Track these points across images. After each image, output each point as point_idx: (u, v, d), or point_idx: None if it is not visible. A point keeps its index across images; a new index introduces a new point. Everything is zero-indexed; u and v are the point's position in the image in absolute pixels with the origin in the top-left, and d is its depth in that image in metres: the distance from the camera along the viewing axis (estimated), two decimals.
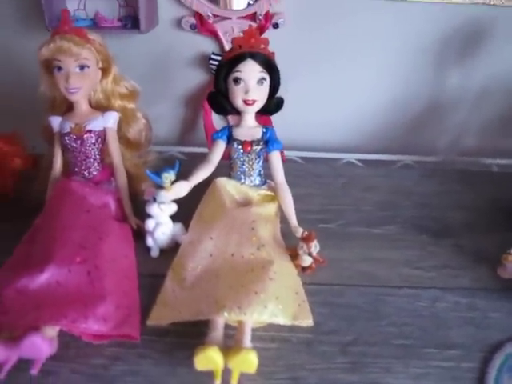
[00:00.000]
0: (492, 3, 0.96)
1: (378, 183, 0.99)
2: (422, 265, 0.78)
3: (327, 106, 1.12)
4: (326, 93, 1.09)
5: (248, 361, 0.57)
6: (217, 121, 1.11)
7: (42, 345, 0.57)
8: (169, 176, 0.72)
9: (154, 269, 0.75)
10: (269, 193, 0.84)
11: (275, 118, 0.98)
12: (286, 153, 1.06)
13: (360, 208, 0.91)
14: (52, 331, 0.60)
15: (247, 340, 0.60)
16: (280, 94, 0.82)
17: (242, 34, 0.78)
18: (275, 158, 0.83)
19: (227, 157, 0.85)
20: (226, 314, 0.61)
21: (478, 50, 1.04)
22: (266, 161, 0.84)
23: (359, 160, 1.10)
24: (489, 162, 1.08)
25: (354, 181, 1.00)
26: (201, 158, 0.83)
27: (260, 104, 0.80)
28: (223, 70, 0.78)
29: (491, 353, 0.64)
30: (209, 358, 0.56)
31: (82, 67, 0.77)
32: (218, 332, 0.61)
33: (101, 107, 0.84)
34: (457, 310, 0.70)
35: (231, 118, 1.12)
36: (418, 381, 0.60)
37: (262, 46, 0.78)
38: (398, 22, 1.01)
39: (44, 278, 0.64)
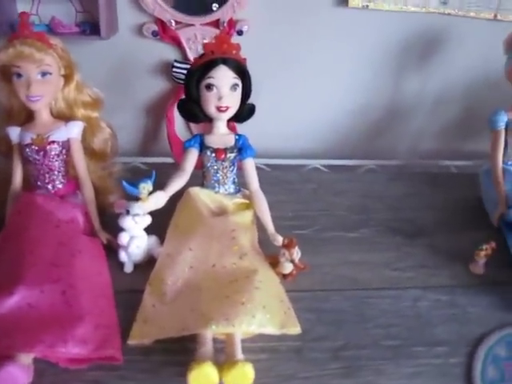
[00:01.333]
0: (446, 12, 1.01)
1: (348, 188, 1.00)
2: (400, 266, 0.79)
3: (290, 113, 1.12)
4: (290, 100, 1.10)
5: (244, 374, 0.55)
6: (180, 130, 1.09)
7: (18, 374, 0.52)
8: (146, 186, 0.69)
9: (130, 285, 0.71)
10: (244, 201, 0.82)
11: (240, 126, 0.97)
12: None
13: (333, 213, 0.92)
14: (27, 358, 0.55)
15: (239, 352, 0.58)
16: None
17: (212, 40, 0.77)
18: (249, 165, 0.82)
19: (199, 166, 0.83)
20: (213, 326, 0.59)
21: (434, 57, 1.08)
22: (240, 169, 0.83)
23: (324, 166, 1.10)
24: (447, 163, 1.13)
25: (323, 186, 1.00)
26: (166, 168, 0.80)
27: (233, 110, 0.79)
28: (194, 76, 0.76)
29: (475, 346, 0.65)
30: (204, 375, 0.54)
31: (43, 74, 0.72)
32: (207, 347, 0.59)
33: (62, 117, 0.79)
34: (438, 308, 0.71)
35: (194, 127, 1.10)
36: (411, 380, 0.61)
37: (234, 51, 0.77)
38: (359, 29, 1.03)
39: (14, 300, 0.59)
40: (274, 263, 0.74)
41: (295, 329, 0.64)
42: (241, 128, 0.95)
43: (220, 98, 0.76)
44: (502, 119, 0.88)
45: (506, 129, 0.89)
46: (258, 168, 1.06)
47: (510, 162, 0.90)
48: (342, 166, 1.11)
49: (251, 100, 0.82)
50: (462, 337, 0.67)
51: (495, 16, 1.02)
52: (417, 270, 0.78)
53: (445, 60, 1.08)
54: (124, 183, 0.69)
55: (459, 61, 1.08)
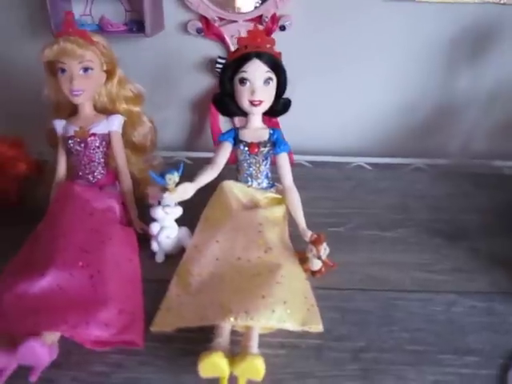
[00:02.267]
0: (502, 2, 0.94)
1: (389, 186, 0.96)
2: (435, 268, 0.75)
3: (335, 109, 1.10)
4: (333, 95, 1.08)
5: (254, 367, 0.54)
6: (224, 125, 1.10)
7: (41, 351, 0.55)
8: (172, 177, 0.70)
9: (159, 274, 0.73)
10: (276, 195, 0.82)
11: (282, 122, 0.97)
12: (294, 157, 1.04)
13: (370, 211, 0.89)
14: (52, 337, 0.58)
15: (254, 346, 0.58)
16: (287, 95, 0.80)
17: (246, 34, 0.77)
18: (283, 159, 0.81)
19: (234, 161, 0.83)
20: (232, 319, 0.59)
21: (488, 51, 1.02)
22: (274, 164, 0.82)
23: (369, 164, 1.07)
24: (500, 164, 1.06)
25: (363, 184, 0.98)
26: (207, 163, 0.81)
27: (267, 105, 0.78)
28: (229, 70, 0.77)
29: (510, 359, 0.60)
30: (214, 364, 0.54)
31: (85, 69, 0.76)
32: (223, 338, 0.59)
33: (106, 111, 0.83)
34: (473, 315, 0.67)
35: (237, 121, 1.11)
36: None
37: (268, 45, 0.76)
38: (406, 23, 1.00)
39: (45, 282, 0.62)
40: (303, 259, 0.73)
41: (317, 326, 0.63)
42: (283, 123, 0.95)
43: (253, 92, 0.76)
44: None
45: None
46: (299, 165, 1.07)
47: None
48: (387, 164, 1.08)
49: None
50: (497, 347, 0.62)
51: None
52: (453, 273, 0.74)
53: (500, 54, 1.01)
54: (152, 173, 0.71)
55: None
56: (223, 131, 1.09)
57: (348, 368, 0.60)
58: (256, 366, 0.54)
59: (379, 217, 0.87)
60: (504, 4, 0.94)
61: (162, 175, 0.70)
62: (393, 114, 1.10)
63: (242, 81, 0.76)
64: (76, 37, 0.75)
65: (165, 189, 0.72)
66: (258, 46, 0.75)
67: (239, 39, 0.77)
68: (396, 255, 0.78)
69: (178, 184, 0.72)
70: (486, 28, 0.99)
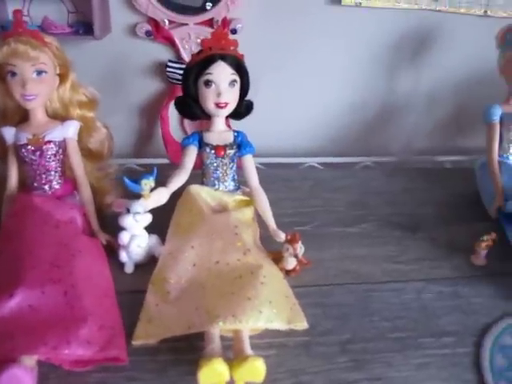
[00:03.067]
0: (437, 9, 1.02)
1: (345, 184, 1.00)
2: (401, 259, 0.79)
3: (283, 112, 1.11)
4: (285, 99, 1.09)
5: (256, 368, 0.54)
6: (174, 130, 1.08)
7: (24, 377, 0.50)
8: (148, 182, 0.67)
9: (131, 285, 0.70)
10: (244, 198, 0.82)
11: (234, 125, 0.97)
12: None
13: (332, 209, 0.91)
14: (30, 361, 0.53)
15: (248, 348, 0.57)
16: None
17: (209, 36, 0.76)
18: (249, 161, 0.81)
19: (198, 166, 0.82)
20: (220, 323, 0.58)
21: (427, 54, 1.09)
22: (239, 167, 0.82)
23: (320, 163, 1.10)
24: (442, 159, 1.14)
25: (321, 183, 1.00)
26: (161, 168, 0.77)
27: (232, 107, 0.78)
28: (192, 72, 0.76)
29: (481, 336, 0.65)
30: (214, 371, 0.53)
31: (39, 72, 0.71)
32: (215, 344, 0.58)
33: (58, 116, 0.78)
34: (442, 299, 0.71)
35: (188, 127, 1.09)
36: (420, 371, 0.60)
37: (232, 47, 0.76)
38: (353, 26, 1.04)
39: (14, 303, 0.57)
40: (278, 259, 0.73)
41: (302, 324, 0.64)
42: (236, 126, 0.94)
43: (219, 94, 0.75)
44: (497, 112, 0.89)
45: (501, 122, 0.90)
46: None
47: (505, 155, 0.91)
48: (337, 163, 1.12)
49: (254, 97, 0.82)
50: (468, 327, 0.67)
51: (485, 12, 1.03)
52: (419, 262, 0.78)
53: (437, 57, 1.09)
54: (126, 180, 0.68)
55: (451, 57, 1.09)
56: (174, 137, 1.08)
57: (339, 361, 0.61)
58: (257, 367, 0.54)
59: (342, 214, 0.90)
60: (439, 11, 1.02)
61: (137, 181, 0.67)
62: (340, 114, 1.14)
63: (208, 83, 0.75)
64: (28, 37, 0.70)
65: (136, 195, 0.69)
66: (223, 47, 0.75)
67: (203, 41, 0.76)
68: (363, 249, 0.81)
69: (152, 190, 0.69)
70: (424, 33, 1.06)
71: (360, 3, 0.99)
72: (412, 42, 1.07)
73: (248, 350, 0.57)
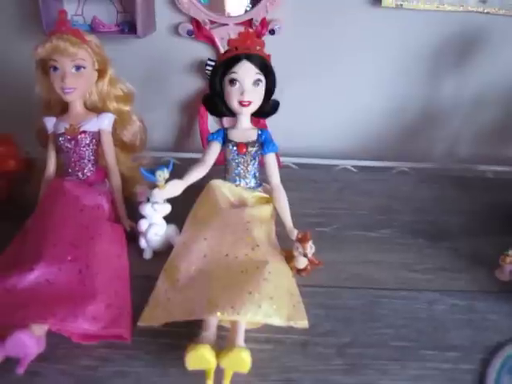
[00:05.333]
0: (485, 11, 0.97)
1: (374, 188, 0.98)
2: (418, 267, 0.77)
3: (323, 113, 1.12)
4: (321, 99, 1.10)
5: (241, 359, 0.55)
6: (212, 126, 1.11)
7: (28, 342, 0.55)
8: (162, 173, 0.71)
9: (147, 270, 0.74)
10: (264, 195, 0.83)
11: (270, 124, 0.98)
12: (281, 158, 1.05)
13: (356, 212, 0.91)
14: (40, 330, 0.58)
15: (240, 340, 0.59)
16: (275, 96, 0.82)
17: (237, 36, 0.79)
18: (271, 160, 0.82)
19: (222, 161, 0.84)
20: (219, 313, 0.59)
21: (472, 58, 1.04)
22: (262, 165, 0.84)
23: (355, 166, 1.09)
24: (484, 168, 1.09)
25: (349, 186, 0.99)
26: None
27: (255, 105, 0.80)
28: (219, 71, 0.78)
29: (490, 354, 0.62)
30: (200, 357, 0.55)
31: (78, 67, 0.77)
32: (210, 332, 0.60)
33: (96, 109, 0.83)
34: (454, 313, 0.69)
35: (226, 122, 1.12)
36: (415, 382, 0.59)
37: (258, 47, 0.78)
38: (393, 29, 1.02)
39: (34, 276, 0.63)
40: (290, 257, 0.74)
41: (303, 322, 0.64)
42: (271, 126, 0.96)
43: (242, 93, 0.77)
44: None
45: None
46: (286, 166, 1.08)
47: None
48: (373, 167, 1.10)
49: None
50: (477, 343, 0.64)
51: None
52: (436, 272, 0.76)
53: (484, 61, 1.04)
54: (142, 170, 0.72)
55: (499, 62, 1.04)
56: (212, 132, 1.12)
57: (333, 363, 0.61)
58: (242, 358, 0.55)
59: (365, 218, 0.89)
60: (487, 13, 0.97)
61: (152, 172, 0.71)
62: (379, 117, 1.12)
63: (232, 81, 0.77)
64: (69, 35, 0.75)
65: (154, 186, 0.73)
66: (248, 47, 0.77)
67: (229, 41, 0.78)
68: (381, 255, 0.79)
69: (167, 181, 0.73)
70: (470, 36, 1.01)
71: (401, 5, 0.97)
72: (457, 45, 1.03)
73: (239, 342, 0.58)
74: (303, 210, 0.85)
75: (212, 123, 1.11)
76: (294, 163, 1.10)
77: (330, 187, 0.99)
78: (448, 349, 0.63)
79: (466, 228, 0.86)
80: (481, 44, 1.02)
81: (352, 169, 1.09)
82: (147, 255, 0.77)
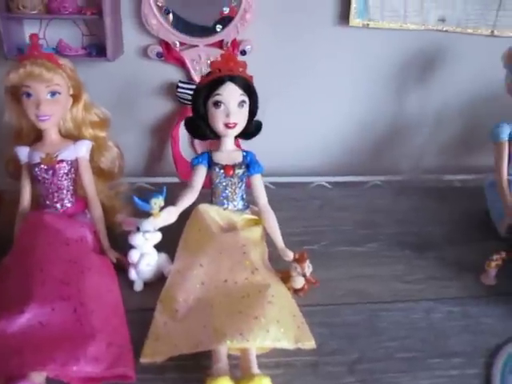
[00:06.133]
0: (444, 29, 1.03)
1: (352, 203, 1.00)
2: (410, 278, 0.79)
3: (296, 132, 1.13)
4: (294, 118, 1.11)
5: None
6: (184, 149, 1.09)
7: None
8: (158, 201, 0.69)
9: (140, 303, 0.71)
10: (253, 217, 0.82)
11: (244, 145, 0.98)
12: None
13: (340, 228, 0.92)
14: (40, 377, 0.54)
15: (255, 366, 0.57)
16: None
17: (219, 58, 0.78)
18: (257, 181, 0.82)
19: (207, 185, 0.83)
20: (228, 341, 0.58)
21: (434, 73, 1.10)
22: (248, 187, 0.83)
23: (329, 182, 1.11)
24: (451, 178, 1.14)
25: (329, 202, 1.01)
26: (171, 188, 0.79)
27: (240, 127, 0.79)
28: (202, 93, 0.77)
29: (492, 357, 0.65)
30: None
31: (53, 93, 0.73)
32: (222, 362, 0.58)
33: (71, 136, 0.80)
34: (451, 319, 0.71)
35: (199, 146, 1.11)
36: None
37: (241, 69, 0.78)
38: (361, 47, 1.06)
39: (25, 319, 0.58)
40: (286, 278, 0.74)
41: (310, 343, 0.64)
42: (247, 146, 0.96)
43: (228, 115, 0.76)
44: (505, 131, 0.90)
45: (509, 141, 0.90)
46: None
47: None
48: (346, 182, 1.12)
49: (263, 118, 0.83)
50: (478, 347, 0.66)
51: (492, 32, 1.04)
52: (427, 282, 0.78)
53: (444, 76, 1.10)
54: (135, 199, 0.69)
55: (458, 76, 1.10)
56: (185, 157, 1.10)
57: (345, 381, 0.61)
58: None
59: (349, 233, 0.91)
60: (447, 31, 1.03)
61: (146, 200, 0.69)
62: (350, 133, 1.15)
63: (217, 104, 0.76)
64: (43, 60, 0.72)
65: (146, 214, 0.71)
66: (231, 69, 0.77)
67: (212, 63, 0.78)
68: (371, 268, 0.81)
69: (161, 208, 0.71)
70: (432, 53, 1.07)
71: (367, 24, 1.01)
72: (420, 62, 1.08)
73: (255, 369, 0.57)
74: (288, 229, 0.84)
75: (184, 146, 1.09)
76: (269, 182, 1.10)
77: (310, 205, 1.00)
78: (452, 355, 0.65)
79: (449, 237, 0.89)
80: (441, 60, 1.08)
81: (326, 185, 1.10)
82: (138, 287, 0.74)
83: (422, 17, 1.01)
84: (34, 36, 0.74)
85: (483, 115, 1.09)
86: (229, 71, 0.76)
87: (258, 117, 0.83)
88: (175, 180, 1.06)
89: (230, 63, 0.77)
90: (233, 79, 0.76)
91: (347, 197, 1.03)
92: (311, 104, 1.10)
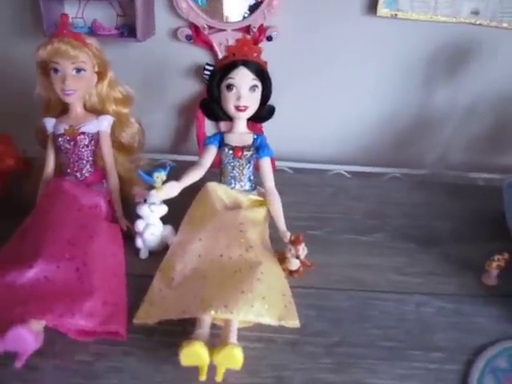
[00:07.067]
0: (478, 23, 1.00)
1: (367, 194, 1.00)
2: (409, 271, 0.79)
3: (318, 119, 1.14)
4: (316, 105, 1.12)
5: (233, 356, 0.57)
6: (209, 130, 1.13)
7: (27, 337, 0.57)
8: (160, 175, 0.73)
9: (143, 270, 0.75)
10: (258, 198, 0.85)
11: (266, 129, 1.00)
12: (276, 163, 1.07)
13: (348, 216, 0.93)
14: (38, 325, 0.60)
15: (233, 337, 0.60)
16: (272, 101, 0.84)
17: (234, 43, 0.81)
18: (265, 164, 0.84)
19: (217, 165, 0.86)
20: (212, 312, 0.61)
21: (465, 67, 1.07)
22: (257, 169, 0.86)
23: (348, 172, 1.11)
24: (475, 176, 1.11)
25: (342, 191, 1.01)
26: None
27: (251, 111, 0.82)
28: (216, 76, 0.80)
29: (474, 355, 0.64)
30: (194, 353, 0.56)
31: (78, 70, 0.78)
32: (203, 329, 0.61)
33: (95, 111, 0.85)
34: (442, 315, 0.71)
35: (223, 126, 1.14)
36: (402, 381, 0.61)
37: (255, 54, 0.80)
38: (388, 38, 1.04)
39: (32, 273, 0.64)
40: (282, 259, 0.76)
41: (294, 322, 0.66)
42: (267, 131, 0.98)
43: (239, 98, 0.79)
44: None
45: None
46: (281, 170, 1.10)
47: None
48: (365, 172, 1.12)
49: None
50: (462, 345, 0.66)
51: None
52: (426, 276, 0.78)
53: (476, 71, 1.06)
54: (139, 171, 0.74)
55: (491, 72, 1.06)
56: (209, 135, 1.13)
57: (322, 361, 0.63)
58: (235, 354, 0.57)
59: (357, 222, 0.91)
60: (479, 25, 1.00)
61: (150, 174, 0.73)
62: (373, 124, 1.14)
63: (229, 87, 0.79)
64: (70, 38, 0.77)
65: (151, 187, 0.75)
66: (245, 54, 0.79)
67: (228, 47, 0.80)
68: (372, 258, 0.81)
69: (164, 182, 0.75)
70: (463, 46, 1.04)
71: (396, 14, 0.99)
72: (449, 55, 1.05)
73: (232, 339, 0.60)
74: (296, 214, 0.86)
75: (209, 127, 1.13)
76: (288, 167, 1.12)
77: (323, 192, 1.01)
78: (434, 350, 0.65)
79: (456, 234, 0.88)
80: (473, 54, 1.04)
81: (346, 174, 1.11)
82: (143, 255, 0.79)
83: (454, 8, 0.98)
84: (63, 16, 0.79)
85: None
86: (243, 56, 0.79)
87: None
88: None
89: (245, 48, 0.79)
90: (246, 64, 0.78)
91: (363, 187, 1.03)
92: (333, 92, 1.10)
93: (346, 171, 1.11)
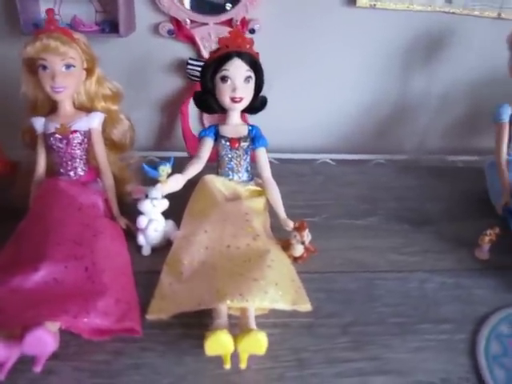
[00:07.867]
0: (451, 11, 1.04)
1: (356, 180, 1.03)
2: (406, 250, 0.82)
3: (300, 110, 1.15)
4: (299, 97, 1.13)
5: (258, 341, 0.57)
6: (194, 125, 1.13)
7: (47, 339, 0.55)
8: (165, 169, 0.72)
9: (147, 266, 0.75)
10: (257, 188, 0.86)
11: (252, 121, 1.01)
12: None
13: (342, 202, 0.95)
14: (54, 327, 0.58)
15: (253, 324, 0.61)
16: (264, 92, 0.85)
17: (227, 35, 0.81)
18: (261, 154, 0.85)
19: (214, 158, 0.86)
20: (228, 301, 0.61)
21: (440, 55, 1.11)
22: (253, 161, 0.86)
23: (333, 160, 1.14)
24: (454, 159, 1.16)
25: (332, 178, 1.04)
26: (180, 162, 0.82)
27: (246, 102, 0.83)
28: (210, 68, 0.80)
29: (479, 325, 0.68)
30: (219, 342, 0.57)
31: (68, 66, 0.76)
32: (222, 319, 0.61)
33: (84, 108, 0.83)
34: (444, 289, 0.74)
35: (207, 122, 1.14)
36: (416, 354, 0.63)
37: (248, 45, 0.81)
38: (367, 28, 1.07)
39: (40, 275, 0.62)
40: (286, 246, 0.77)
41: (306, 306, 0.67)
42: (253, 122, 0.98)
43: (234, 90, 0.80)
44: (506, 112, 0.91)
45: (510, 122, 0.92)
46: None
47: None
48: (350, 160, 1.15)
49: (270, 96, 0.86)
50: (467, 316, 0.69)
51: (499, 14, 1.05)
52: (423, 254, 0.81)
53: (450, 58, 1.11)
54: (145, 166, 0.73)
55: (464, 59, 1.11)
56: (194, 132, 1.13)
57: (339, 341, 0.65)
58: (259, 339, 0.57)
59: (351, 207, 0.94)
60: (453, 13, 1.04)
61: (155, 167, 0.72)
62: (355, 113, 1.17)
63: (224, 79, 0.79)
64: (59, 34, 0.75)
65: (155, 181, 0.74)
66: (239, 45, 0.80)
67: (220, 39, 0.80)
68: (369, 240, 0.84)
69: (169, 176, 0.74)
70: (438, 34, 1.08)
71: (374, 5, 1.02)
72: (426, 43, 1.10)
73: (252, 325, 0.60)
74: (291, 202, 0.87)
75: (194, 122, 1.12)
76: (274, 158, 1.13)
77: (314, 180, 1.03)
78: (442, 322, 0.68)
79: (447, 213, 0.92)
80: (447, 42, 1.09)
81: (331, 162, 1.13)
82: (146, 252, 0.78)
83: None
84: (49, 10, 0.77)
85: (488, 97, 1.09)
86: (236, 47, 0.79)
87: (265, 94, 0.86)
88: (184, 154, 1.09)
89: (238, 40, 0.79)
90: (240, 55, 0.79)
91: (351, 174, 1.06)
92: (317, 83, 1.12)
93: (331, 159, 1.14)
